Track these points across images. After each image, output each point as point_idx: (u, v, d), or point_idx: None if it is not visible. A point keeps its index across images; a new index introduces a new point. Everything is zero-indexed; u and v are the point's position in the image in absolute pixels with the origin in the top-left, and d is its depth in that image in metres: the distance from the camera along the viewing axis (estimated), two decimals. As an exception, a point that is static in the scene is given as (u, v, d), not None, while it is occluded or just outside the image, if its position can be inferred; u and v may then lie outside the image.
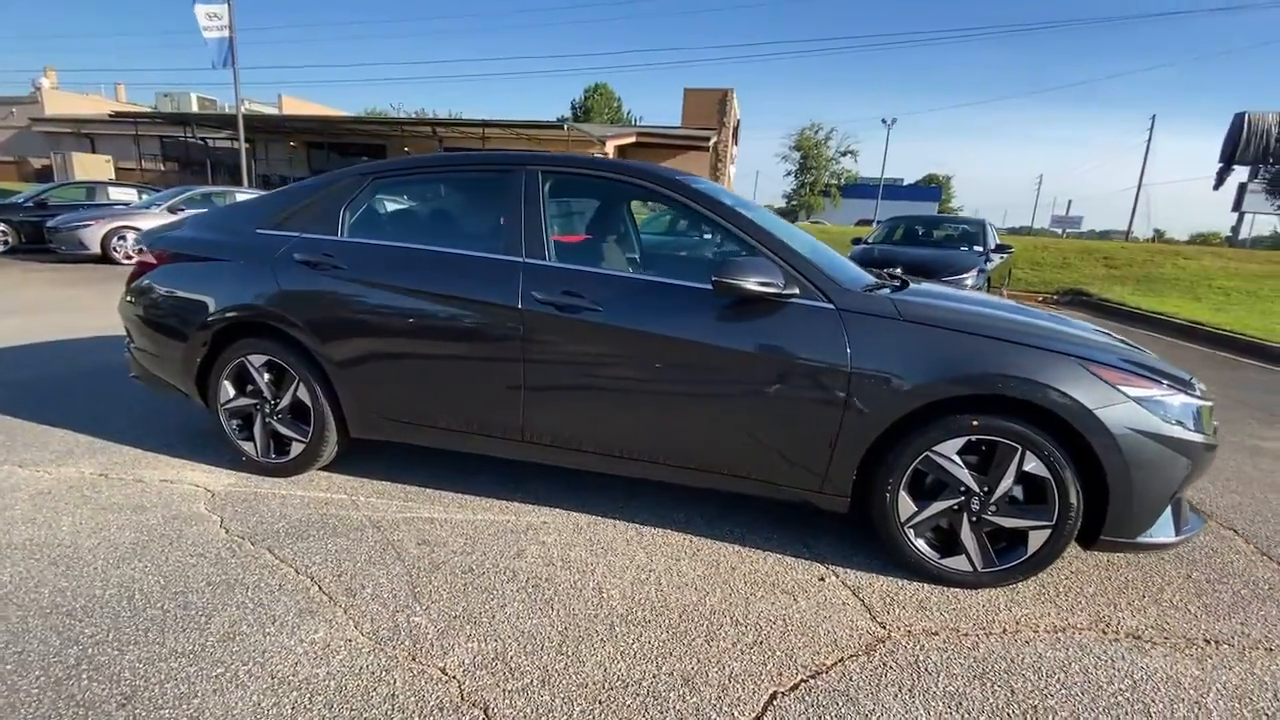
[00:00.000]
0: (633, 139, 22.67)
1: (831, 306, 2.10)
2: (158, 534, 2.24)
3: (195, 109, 30.42)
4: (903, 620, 1.94)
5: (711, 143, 23.76)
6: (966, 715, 1.57)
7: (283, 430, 2.68)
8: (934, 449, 2.03)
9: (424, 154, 3.12)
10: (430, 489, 2.69)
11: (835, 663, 1.74)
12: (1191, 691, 1.68)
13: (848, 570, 2.20)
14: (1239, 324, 7.89)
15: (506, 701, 1.54)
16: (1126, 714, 1.59)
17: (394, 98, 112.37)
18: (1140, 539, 2.01)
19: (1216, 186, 30.51)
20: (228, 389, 2.71)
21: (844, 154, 55.15)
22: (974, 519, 2.06)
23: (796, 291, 2.11)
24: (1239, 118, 28.84)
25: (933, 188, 57.94)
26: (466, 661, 1.67)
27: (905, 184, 57.55)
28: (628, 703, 1.56)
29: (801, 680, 1.67)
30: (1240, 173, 29.21)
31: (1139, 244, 22.67)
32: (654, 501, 2.62)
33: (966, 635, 1.88)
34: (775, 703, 1.59)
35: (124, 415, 3.36)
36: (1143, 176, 58.16)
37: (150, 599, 1.87)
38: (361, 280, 2.49)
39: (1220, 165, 29.82)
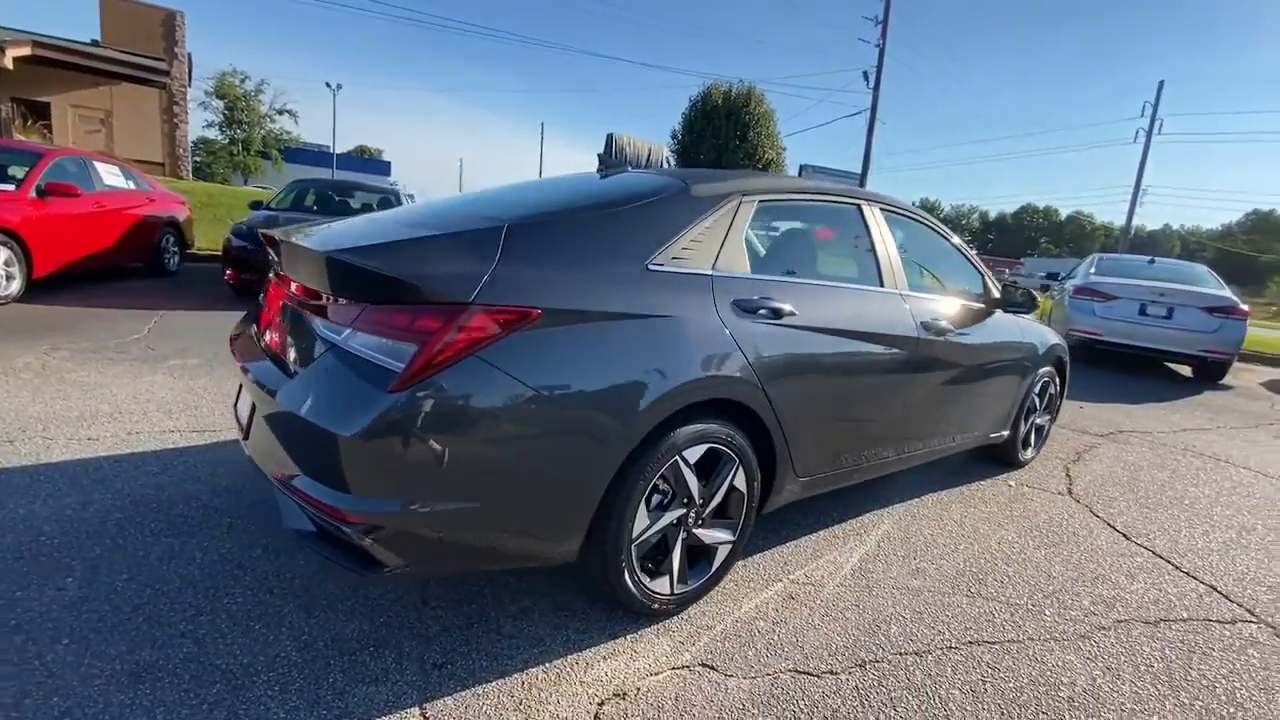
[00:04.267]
0: (27, 50, 14.61)
1: (1026, 310, 3.27)
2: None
3: None
4: (1067, 489, 3.41)
5: (165, 79, 17.77)
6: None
7: (708, 537, 1.95)
8: (1038, 385, 3.52)
9: (793, 178, 2.30)
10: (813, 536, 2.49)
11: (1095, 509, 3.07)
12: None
13: (997, 477, 3.49)
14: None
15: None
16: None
17: None
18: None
19: (603, 185, 43.09)
20: (642, 513, 1.75)
21: (280, 112, 49.61)
22: (1043, 423, 3.71)
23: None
24: (610, 136, 41.02)
25: (383, 161, 58.46)
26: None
27: (339, 152, 55.82)
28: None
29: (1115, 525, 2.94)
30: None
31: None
32: (873, 490, 3.20)
33: (1106, 493, 3.50)
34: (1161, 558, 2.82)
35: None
36: (541, 172, 74.14)
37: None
38: (814, 328, 2.10)
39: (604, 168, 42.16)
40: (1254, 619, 2.25)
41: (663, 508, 1.82)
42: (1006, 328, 3.17)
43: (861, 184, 31.76)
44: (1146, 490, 3.50)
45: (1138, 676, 1.87)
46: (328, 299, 1.56)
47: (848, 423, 2.34)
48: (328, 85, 46.87)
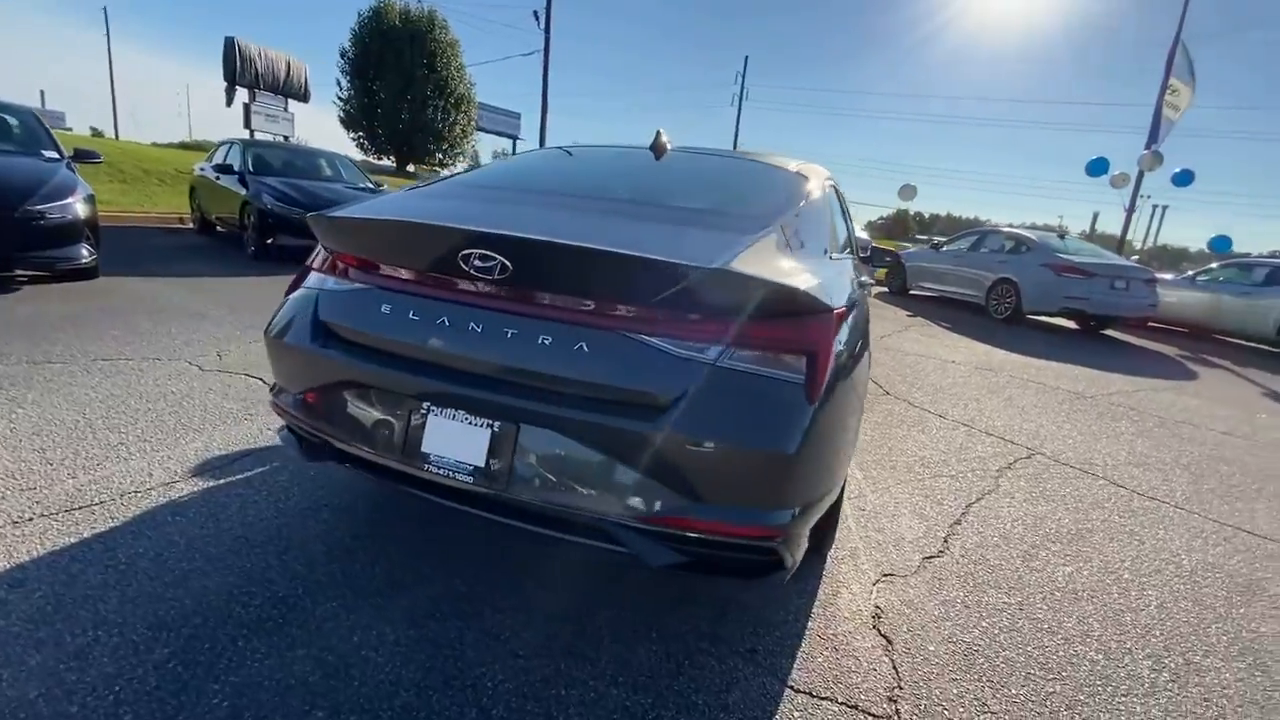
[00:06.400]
0: None
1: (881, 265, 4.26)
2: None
3: None
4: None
5: None
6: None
7: (840, 479, 2.34)
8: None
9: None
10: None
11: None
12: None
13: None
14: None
15: (996, 462, 3.48)
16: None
17: None
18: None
19: (228, 104, 34.04)
20: (842, 468, 2.05)
21: None
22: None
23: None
24: (229, 42, 32.43)
25: None
26: (983, 468, 3.36)
27: None
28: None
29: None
30: (244, 93, 33.57)
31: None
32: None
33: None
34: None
35: None
36: (113, 82, 55.08)
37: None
38: (869, 293, 2.57)
39: (227, 85, 33.28)
40: (1036, 452, 3.71)
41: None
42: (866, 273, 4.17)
43: (541, 124, 32.51)
44: (916, 383, 5.08)
45: (1040, 498, 3.00)
46: (658, 313, 1.40)
47: None
48: None
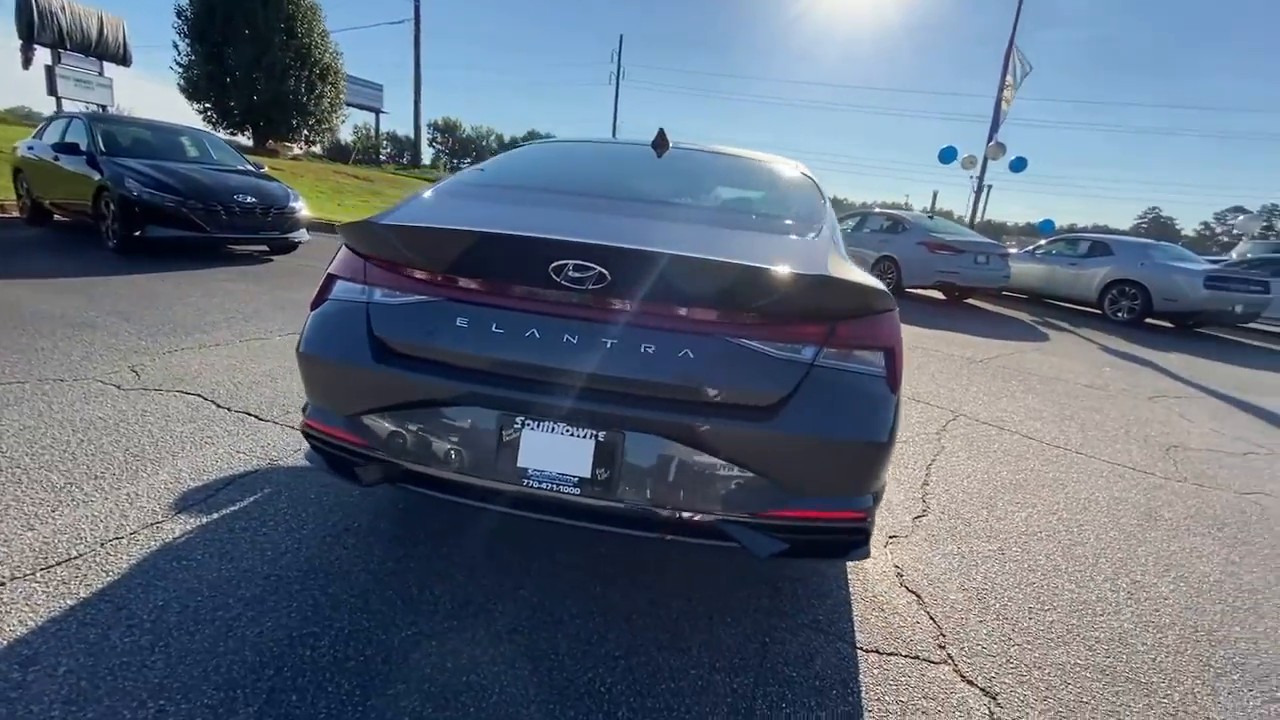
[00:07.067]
0: None
1: None
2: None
3: None
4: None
5: None
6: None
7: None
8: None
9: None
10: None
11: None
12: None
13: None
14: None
15: (933, 425, 3.92)
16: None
17: None
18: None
19: (25, 66, 28.37)
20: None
21: None
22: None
23: None
24: (20, -7, 27.05)
25: None
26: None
27: None
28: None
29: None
30: (45, 54, 28.20)
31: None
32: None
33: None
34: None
35: None
36: None
37: None
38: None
39: (22, 43, 27.70)
40: (958, 414, 4.21)
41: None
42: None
43: (416, 98, 30.52)
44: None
45: (978, 455, 3.44)
46: (758, 318, 1.47)
47: None
48: None
